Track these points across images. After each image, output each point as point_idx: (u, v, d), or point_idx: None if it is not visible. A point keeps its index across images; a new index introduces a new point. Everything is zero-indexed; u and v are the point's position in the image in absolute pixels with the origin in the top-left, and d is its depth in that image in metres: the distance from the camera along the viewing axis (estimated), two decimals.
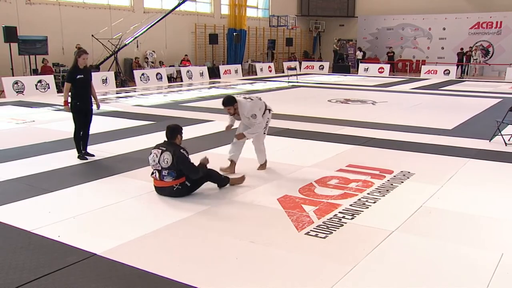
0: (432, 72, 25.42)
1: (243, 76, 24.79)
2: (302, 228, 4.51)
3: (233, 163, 6.39)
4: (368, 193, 5.58)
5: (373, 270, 3.72)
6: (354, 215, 4.86)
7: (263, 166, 6.61)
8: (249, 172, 6.28)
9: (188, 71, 22.17)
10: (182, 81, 21.80)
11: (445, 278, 3.61)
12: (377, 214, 4.92)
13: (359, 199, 5.36)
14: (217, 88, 18.90)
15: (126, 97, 15.65)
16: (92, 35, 18.25)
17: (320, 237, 4.32)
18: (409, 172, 6.45)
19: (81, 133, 7.16)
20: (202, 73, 22.86)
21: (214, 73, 23.68)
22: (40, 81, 15.94)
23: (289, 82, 21.41)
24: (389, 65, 27.11)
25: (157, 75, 20.36)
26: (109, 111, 11.86)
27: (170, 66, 22.38)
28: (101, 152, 7.45)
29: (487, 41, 28.49)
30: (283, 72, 26.25)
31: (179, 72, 22.32)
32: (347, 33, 33.27)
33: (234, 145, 6.41)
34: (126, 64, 21.26)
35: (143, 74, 19.85)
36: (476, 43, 28.36)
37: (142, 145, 7.98)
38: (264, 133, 6.56)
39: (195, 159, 5.54)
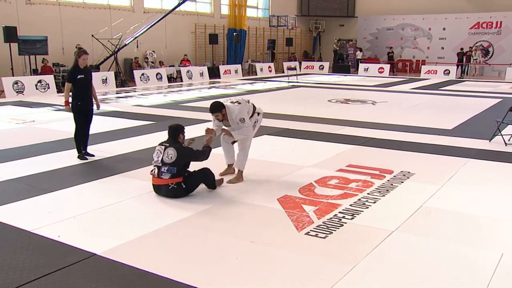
0: (432, 72, 25.42)
1: (243, 76, 24.79)
2: (302, 228, 4.51)
3: (229, 166, 6.32)
4: (368, 193, 5.58)
5: (373, 270, 3.72)
6: (354, 215, 4.86)
7: (238, 179, 6.01)
8: (249, 172, 6.27)
9: (188, 71, 22.17)
10: (182, 81, 21.80)
11: (445, 278, 3.61)
12: (377, 214, 4.92)
13: (359, 199, 5.36)
14: (217, 88, 18.90)
15: (126, 97, 15.65)
16: (92, 35, 18.25)
17: (320, 237, 4.32)
18: (409, 172, 6.45)
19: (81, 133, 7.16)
20: (202, 73, 22.87)
21: (214, 73, 23.68)
22: (40, 81, 15.94)
23: (289, 82, 21.41)
24: (389, 65, 27.11)
25: (157, 75, 20.37)
26: (109, 111, 11.86)
27: (170, 66, 22.39)
28: (101, 152, 7.45)
29: (487, 41, 28.49)
30: (283, 72, 26.25)
31: (179, 72, 22.32)
32: (347, 33, 33.28)
33: (224, 150, 6.31)
34: (126, 64, 21.27)
35: (143, 74, 19.85)
36: (476, 43, 28.37)
37: (142, 145, 7.99)
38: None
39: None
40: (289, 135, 9.05)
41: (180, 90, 18.23)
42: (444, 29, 29.66)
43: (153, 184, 5.45)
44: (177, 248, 4.12)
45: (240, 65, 25.67)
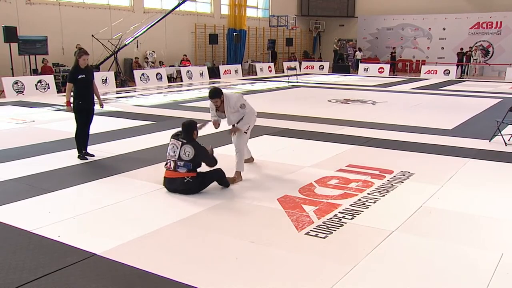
0: (432, 72, 25.42)
1: (243, 76, 24.79)
2: (302, 228, 4.51)
3: (248, 159, 6.61)
4: (368, 193, 5.58)
5: (373, 270, 3.72)
6: (354, 215, 4.86)
7: (236, 179, 5.99)
8: (249, 172, 6.28)
9: (188, 71, 22.17)
10: (182, 81, 21.80)
11: (445, 278, 3.61)
12: (377, 214, 4.92)
13: (359, 199, 5.36)
14: None
15: (126, 97, 15.65)
16: (92, 35, 18.25)
17: (320, 237, 4.32)
18: (409, 172, 6.45)
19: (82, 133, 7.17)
20: (202, 73, 22.87)
21: (214, 73, 23.68)
22: (40, 81, 15.94)
23: (289, 82, 21.40)
24: (389, 65, 27.11)
25: (157, 75, 20.37)
26: (109, 111, 11.85)
27: (170, 66, 22.39)
28: (101, 152, 7.45)
29: (487, 41, 28.49)
30: (283, 72, 26.25)
31: (179, 72, 22.32)
32: (347, 33, 33.28)
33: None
34: (126, 64, 21.26)
35: (143, 74, 19.85)
36: (476, 43, 28.37)
37: (142, 145, 7.99)
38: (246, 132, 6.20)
39: None
40: (289, 135, 9.05)
41: (180, 90, 18.24)
42: (444, 29, 29.67)
43: (166, 178, 5.50)
44: (177, 248, 4.12)
45: (240, 65, 25.67)
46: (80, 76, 6.93)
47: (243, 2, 26.58)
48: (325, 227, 4.55)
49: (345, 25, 33.88)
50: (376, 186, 5.86)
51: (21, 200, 5.24)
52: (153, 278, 3.55)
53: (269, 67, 27.20)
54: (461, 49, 27.13)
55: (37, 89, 15.74)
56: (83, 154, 7.12)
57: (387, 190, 5.70)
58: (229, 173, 5.94)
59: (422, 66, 27.30)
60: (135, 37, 20.02)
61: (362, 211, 4.98)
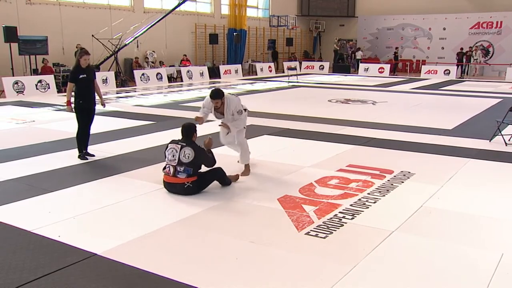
0: (432, 72, 25.42)
1: (243, 76, 24.79)
2: (302, 228, 4.51)
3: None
4: (368, 193, 5.58)
5: (373, 270, 3.72)
6: (354, 215, 4.86)
7: (246, 172, 6.25)
8: (249, 172, 6.28)
9: (188, 71, 22.17)
10: (182, 81, 21.80)
11: (445, 278, 3.61)
12: (377, 214, 4.92)
13: (359, 199, 5.36)
14: None
15: (126, 97, 15.66)
16: (92, 35, 18.24)
17: (320, 237, 4.32)
18: (409, 172, 6.45)
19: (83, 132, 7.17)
20: (202, 73, 22.87)
21: (214, 73, 23.68)
22: (40, 81, 15.94)
23: (289, 82, 21.40)
24: (389, 65, 27.10)
25: (157, 75, 20.37)
26: (109, 111, 11.82)
27: (170, 66, 22.39)
28: (101, 152, 7.45)
29: (487, 41, 28.49)
30: (283, 72, 26.25)
31: (179, 72, 22.32)
32: (347, 33, 33.28)
33: (233, 149, 6.47)
34: (126, 64, 21.27)
35: (143, 74, 19.85)
36: (476, 43, 28.37)
37: (142, 145, 7.99)
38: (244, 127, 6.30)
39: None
40: (289, 135, 9.05)
41: (180, 90, 18.24)
42: (444, 29, 29.66)
43: (166, 182, 5.48)
44: (178, 248, 4.12)
45: (240, 65, 25.68)
46: (81, 76, 6.93)
47: (243, 2, 26.58)
48: (325, 227, 4.55)
49: (345, 25, 33.88)
50: (376, 186, 5.86)
51: (21, 200, 5.24)
52: (153, 278, 3.55)
53: (269, 67, 27.20)
54: (461, 49, 27.13)
55: (37, 89, 15.75)
56: (83, 154, 7.12)
57: (387, 190, 5.69)
58: (229, 173, 5.93)
59: (422, 66, 27.29)
60: (135, 37, 20.02)
61: (362, 211, 4.98)
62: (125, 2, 21.62)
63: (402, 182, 6.04)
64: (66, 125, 9.27)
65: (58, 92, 16.07)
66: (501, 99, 15.18)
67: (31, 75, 16.56)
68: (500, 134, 8.36)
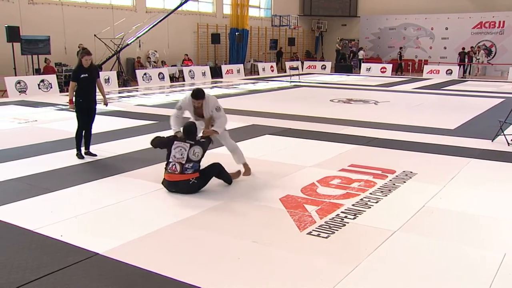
0: (435, 72, 25.37)
1: (245, 75, 24.79)
2: (304, 228, 4.50)
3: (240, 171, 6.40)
4: (370, 193, 5.57)
5: (375, 270, 3.72)
6: (356, 215, 4.85)
7: (247, 171, 6.22)
8: (251, 172, 6.27)
9: (190, 71, 22.18)
10: (184, 80, 21.81)
11: (447, 278, 3.60)
12: (379, 214, 4.91)
13: (362, 199, 5.35)
14: (220, 88, 18.91)
15: (128, 96, 15.67)
16: (95, 35, 18.26)
17: (322, 237, 4.31)
18: (411, 172, 6.44)
19: (83, 132, 7.17)
20: (204, 72, 22.87)
21: (216, 72, 23.68)
22: (42, 81, 15.97)
23: (291, 82, 21.39)
24: (391, 65, 27.06)
25: (159, 74, 20.39)
26: (111, 110, 11.85)
27: (172, 65, 22.40)
28: (103, 152, 7.45)
29: (489, 41, 28.44)
30: (285, 71, 26.25)
31: (181, 71, 22.33)
32: (349, 33, 33.27)
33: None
34: (128, 63, 21.29)
35: (145, 74, 19.87)
36: (479, 43, 28.32)
37: (143, 145, 7.97)
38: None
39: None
40: (291, 134, 9.04)
41: (183, 89, 18.23)
42: (446, 28, 29.62)
43: (169, 181, 5.47)
44: (179, 248, 4.12)
45: (242, 64, 25.67)
46: (82, 75, 6.94)
47: (245, 2, 26.58)
48: (327, 227, 4.54)
49: (347, 25, 33.87)
50: (379, 186, 5.86)
51: (23, 200, 5.25)
52: (156, 278, 3.55)
53: (271, 66, 27.21)
54: (463, 48, 27.08)
55: (39, 88, 15.77)
56: (81, 153, 7.11)
57: (390, 190, 5.68)
58: (230, 172, 5.93)
59: (425, 65, 27.23)
60: (138, 37, 20.03)
61: (364, 211, 4.97)
62: (127, 2, 21.64)
63: (404, 182, 6.03)
64: (69, 125, 9.26)
65: (61, 91, 16.10)
66: (504, 99, 15.14)
67: (33, 74, 16.58)
68: (502, 134, 8.34)
